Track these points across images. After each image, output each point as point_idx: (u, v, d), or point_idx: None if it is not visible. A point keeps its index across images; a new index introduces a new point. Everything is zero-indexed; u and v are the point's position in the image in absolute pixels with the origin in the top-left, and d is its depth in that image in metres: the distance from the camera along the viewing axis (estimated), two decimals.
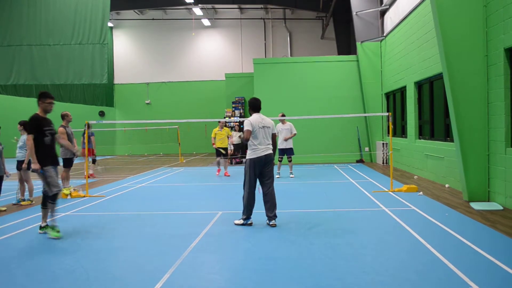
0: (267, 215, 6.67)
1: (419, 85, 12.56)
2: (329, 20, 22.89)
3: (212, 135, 13.10)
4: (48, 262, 5.05)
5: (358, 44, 17.05)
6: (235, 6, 25.01)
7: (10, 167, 9.02)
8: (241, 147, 15.96)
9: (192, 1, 21.84)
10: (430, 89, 11.61)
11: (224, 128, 13.16)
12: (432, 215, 7.02)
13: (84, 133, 13.92)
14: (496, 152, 7.86)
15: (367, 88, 17.02)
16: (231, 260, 5.12)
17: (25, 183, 9.15)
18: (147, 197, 9.75)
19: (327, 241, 5.62)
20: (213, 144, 13.16)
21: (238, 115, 20.53)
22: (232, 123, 19.43)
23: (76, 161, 10.53)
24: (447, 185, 10.16)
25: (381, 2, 16.55)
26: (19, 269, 4.85)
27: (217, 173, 13.36)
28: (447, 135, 10.43)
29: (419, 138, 12.60)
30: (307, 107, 16.97)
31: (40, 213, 6.48)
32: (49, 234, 6.20)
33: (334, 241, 5.64)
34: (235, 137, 15.78)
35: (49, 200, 6.24)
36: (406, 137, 13.86)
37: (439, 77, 10.49)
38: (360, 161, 17.19)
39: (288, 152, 12.47)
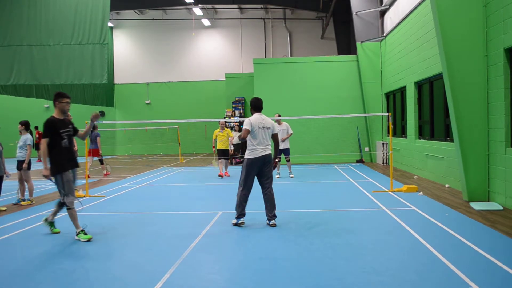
0: (267, 215, 6.67)
1: (419, 85, 12.56)
2: (329, 20, 22.89)
3: (213, 137, 13.04)
4: (48, 262, 5.05)
5: (358, 44, 17.05)
6: (235, 6, 25.01)
7: (10, 167, 9.03)
8: (241, 147, 15.95)
9: (192, 1, 21.84)
10: (430, 89, 11.61)
11: (225, 129, 13.11)
12: (432, 215, 7.02)
13: (91, 134, 14.05)
14: (496, 152, 7.86)
15: (367, 88, 17.02)
16: (231, 260, 5.12)
17: (25, 183, 9.14)
18: (147, 197, 9.75)
19: (327, 241, 5.62)
20: (213, 147, 13.10)
21: (238, 115, 20.53)
22: (232, 123, 19.42)
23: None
24: (447, 185, 10.16)
25: (381, 2, 16.55)
26: (19, 269, 4.85)
27: (220, 174, 13.05)
28: (447, 135, 10.43)
29: (419, 138, 12.60)
30: (307, 107, 16.97)
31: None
32: (51, 230, 6.27)
33: (334, 241, 5.64)
34: (235, 137, 15.77)
35: (66, 206, 6.04)
36: (406, 137, 13.86)
37: (439, 77, 10.49)
38: (360, 161, 17.19)
39: (285, 152, 12.49)
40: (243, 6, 25.15)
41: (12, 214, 7.98)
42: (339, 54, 22.63)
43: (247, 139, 6.58)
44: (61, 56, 13.81)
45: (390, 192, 9.40)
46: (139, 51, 26.73)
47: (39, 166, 19.04)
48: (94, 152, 13.82)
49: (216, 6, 25.21)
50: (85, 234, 5.99)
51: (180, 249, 5.39)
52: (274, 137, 6.81)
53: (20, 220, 7.40)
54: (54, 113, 6.13)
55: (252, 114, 6.78)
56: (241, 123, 18.71)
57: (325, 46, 24.72)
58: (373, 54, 16.93)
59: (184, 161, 20.02)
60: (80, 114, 23.01)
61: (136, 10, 25.70)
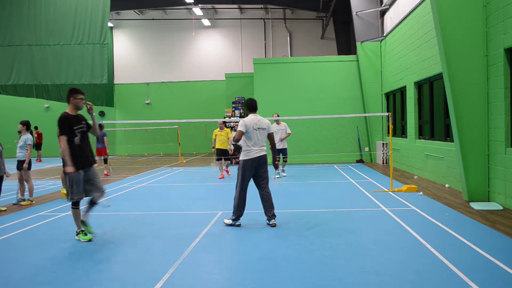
0: (266, 215, 6.67)
1: (419, 85, 12.56)
2: (329, 20, 22.90)
3: (213, 137, 13.01)
4: (47, 262, 5.05)
5: (358, 44, 17.05)
6: (235, 6, 25.01)
7: (10, 167, 9.03)
8: (241, 147, 15.91)
9: (192, 1, 21.84)
10: (430, 89, 11.61)
11: (225, 129, 13.09)
12: (432, 215, 7.02)
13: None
14: (496, 152, 7.86)
15: (367, 88, 17.02)
16: (231, 260, 5.12)
17: (25, 183, 9.14)
18: (147, 197, 9.75)
19: (327, 241, 5.62)
20: (213, 147, 13.07)
21: (238, 115, 20.52)
22: (232, 123, 19.42)
23: None
24: (447, 185, 10.16)
25: (381, 2, 16.55)
26: (19, 269, 4.85)
27: (221, 176, 12.98)
28: (447, 135, 10.43)
29: (419, 138, 12.60)
30: (307, 107, 16.97)
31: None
32: (81, 238, 5.99)
33: (334, 241, 5.64)
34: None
35: (72, 205, 5.99)
36: (406, 137, 13.87)
37: (439, 77, 10.49)
38: (360, 161, 17.20)
39: (283, 152, 12.54)
40: (243, 6, 25.15)
41: (12, 214, 7.98)
42: (339, 54, 22.63)
43: (242, 140, 6.54)
44: (61, 56, 13.80)
45: (390, 192, 9.40)
46: (139, 51, 26.73)
47: (39, 166, 19.10)
48: (101, 151, 13.90)
49: (216, 6, 25.21)
50: (85, 234, 5.98)
51: (180, 249, 5.39)
52: (270, 137, 6.76)
53: (20, 220, 7.41)
54: (67, 109, 5.98)
55: (247, 115, 6.76)
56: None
57: (325, 46, 24.73)
58: (373, 54, 16.93)
59: (184, 161, 20.02)
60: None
61: (136, 10, 25.70)
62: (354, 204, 8.30)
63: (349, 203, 8.36)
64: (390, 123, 10.27)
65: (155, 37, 26.50)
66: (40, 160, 22.41)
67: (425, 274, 4.36)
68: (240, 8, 25.43)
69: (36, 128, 22.34)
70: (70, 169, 5.74)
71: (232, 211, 6.70)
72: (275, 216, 6.64)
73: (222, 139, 12.84)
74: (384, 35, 16.28)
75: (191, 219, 7.34)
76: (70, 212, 8.02)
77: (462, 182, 8.44)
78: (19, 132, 9.27)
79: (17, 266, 4.94)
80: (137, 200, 9.42)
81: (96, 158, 13.91)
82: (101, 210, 8.29)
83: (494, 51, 7.77)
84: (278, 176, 12.63)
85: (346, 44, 22.68)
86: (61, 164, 9.89)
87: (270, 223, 6.58)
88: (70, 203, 5.99)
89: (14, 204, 9.01)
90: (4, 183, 8.30)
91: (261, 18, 25.75)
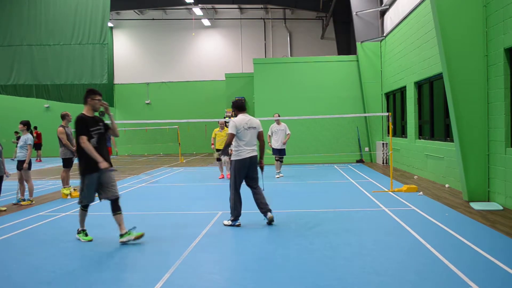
0: (262, 211, 6.67)
1: (419, 85, 12.56)
2: (329, 20, 22.89)
3: (212, 136, 12.99)
4: (47, 262, 5.05)
5: (358, 44, 17.05)
6: (235, 6, 25.01)
7: (10, 167, 9.03)
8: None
9: (192, 1, 21.84)
10: (430, 89, 11.61)
11: (225, 128, 13.07)
12: (432, 215, 7.02)
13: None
14: (496, 152, 7.86)
15: (367, 88, 17.02)
16: (231, 260, 5.12)
17: (25, 183, 9.14)
18: (147, 197, 9.75)
19: (327, 241, 5.62)
20: (212, 144, 13.06)
21: None
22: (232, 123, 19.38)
23: (76, 161, 10.51)
24: (447, 185, 10.16)
25: (381, 2, 16.55)
26: (19, 269, 4.85)
27: (221, 176, 13.01)
28: (447, 135, 10.43)
29: (419, 138, 12.60)
30: (307, 107, 16.97)
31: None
32: (132, 235, 5.77)
33: (334, 241, 5.64)
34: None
35: (81, 206, 5.88)
36: (406, 137, 13.86)
37: (439, 77, 10.49)
38: (360, 161, 17.20)
39: (281, 152, 12.58)
40: (243, 6, 25.15)
41: (12, 214, 7.98)
42: (339, 54, 22.62)
43: (233, 140, 6.56)
44: (61, 56, 13.81)
45: (390, 192, 9.40)
46: (139, 51, 26.73)
47: (39, 166, 19.10)
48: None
49: (216, 6, 25.21)
50: (86, 235, 5.97)
51: (180, 249, 5.39)
52: (260, 135, 6.75)
53: (20, 220, 7.40)
54: (84, 111, 5.84)
55: (236, 116, 6.76)
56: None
57: (325, 46, 24.72)
58: (373, 54, 16.93)
59: (184, 161, 20.02)
60: None
61: (136, 10, 25.70)
62: (354, 204, 8.30)
63: (349, 203, 8.36)
64: (390, 123, 10.28)
65: (155, 37, 26.50)
66: (40, 160, 22.41)
67: (425, 274, 4.36)
68: (240, 8, 25.44)
69: (35, 128, 22.33)
70: (104, 164, 5.60)
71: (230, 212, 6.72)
72: (270, 209, 6.63)
73: (222, 139, 12.80)
74: (384, 35, 16.28)
75: (191, 219, 7.34)
76: (70, 213, 8.05)
77: (462, 182, 8.44)
78: (16, 132, 9.27)
79: (17, 266, 4.94)
80: (137, 200, 9.41)
81: None
82: (101, 210, 8.30)
83: (494, 51, 7.77)
84: (279, 175, 12.66)
85: (346, 44, 22.68)
86: (61, 164, 9.95)
87: (268, 217, 6.57)
88: (84, 209, 5.96)
89: (14, 204, 9.01)
90: (4, 183, 8.29)
91: (261, 18, 25.75)
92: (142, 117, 25.87)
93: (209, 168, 16.33)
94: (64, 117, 9.91)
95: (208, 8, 25.19)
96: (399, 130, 15.09)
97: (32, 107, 25.53)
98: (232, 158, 6.60)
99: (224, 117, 20.48)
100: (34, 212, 8.12)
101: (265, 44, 25.71)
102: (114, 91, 26.70)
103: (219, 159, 12.87)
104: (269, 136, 12.65)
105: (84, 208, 5.93)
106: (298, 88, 17.56)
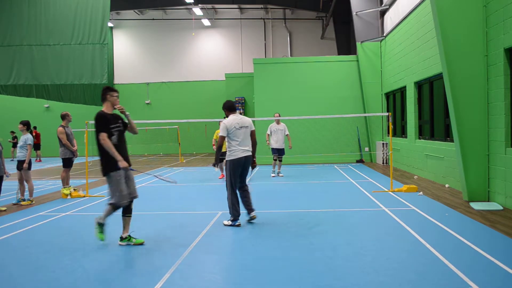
0: (247, 209, 6.78)
1: (419, 85, 12.56)
2: (329, 20, 22.89)
3: (214, 137, 12.97)
4: (48, 262, 5.05)
5: (358, 44, 17.05)
6: (235, 6, 25.01)
7: (10, 167, 9.03)
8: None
9: (192, 1, 21.84)
10: (430, 89, 11.61)
11: None
12: (432, 215, 7.02)
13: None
14: (496, 152, 7.86)
15: (367, 88, 17.02)
16: (231, 260, 5.12)
17: (25, 183, 9.14)
18: (147, 197, 9.74)
19: (327, 241, 5.62)
20: (214, 145, 13.05)
21: None
22: None
23: (76, 161, 10.52)
24: (447, 185, 10.16)
25: (381, 2, 16.55)
26: (19, 269, 4.85)
27: (222, 176, 13.01)
28: (447, 135, 10.43)
29: (419, 138, 12.60)
30: (307, 107, 16.97)
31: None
32: (132, 241, 5.70)
33: (334, 241, 5.64)
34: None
35: (108, 202, 5.63)
36: (406, 137, 13.86)
37: (439, 77, 10.49)
38: (360, 161, 17.19)
39: (280, 152, 12.63)
40: (243, 6, 25.16)
41: (12, 214, 7.98)
42: (339, 54, 22.63)
43: (227, 141, 6.63)
44: (61, 56, 13.80)
45: (390, 192, 9.40)
46: (139, 51, 26.73)
47: (39, 166, 19.10)
48: None
49: (216, 6, 25.22)
50: (101, 232, 5.67)
51: (180, 249, 5.39)
52: (252, 134, 6.81)
53: (20, 220, 7.40)
54: (104, 108, 5.70)
55: (227, 116, 6.80)
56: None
57: (325, 46, 24.73)
58: (373, 54, 16.93)
59: (184, 161, 20.02)
60: (80, 114, 23.12)
61: (136, 10, 25.71)
62: (354, 204, 8.30)
63: (349, 203, 8.36)
64: (390, 123, 10.28)
65: (155, 37, 26.51)
66: (40, 160, 22.41)
67: (425, 274, 4.35)
68: (240, 8, 25.44)
69: (34, 128, 22.33)
70: (124, 163, 5.45)
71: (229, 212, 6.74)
72: (254, 209, 6.79)
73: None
74: (384, 35, 16.28)
75: (191, 219, 7.34)
76: (70, 213, 8.04)
77: (462, 182, 8.44)
78: (12, 132, 9.27)
79: (17, 266, 4.94)
80: (137, 200, 9.38)
81: None
82: (101, 210, 8.29)
83: (494, 51, 7.77)
84: (273, 175, 12.75)
85: (346, 44, 22.68)
86: (61, 164, 9.95)
87: (251, 215, 6.72)
88: (115, 211, 5.64)
89: (14, 204, 9.01)
90: (4, 183, 8.29)
91: (261, 18, 25.75)
92: (142, 117, 25.84)
93: (209, 168, 16.33)
94: (64, 117, 9.91)
95: (208, 8, 25.20)
96: (399, 130, 15.09)
97: (32, 107, 25.54)
98: (227, 158, 6.64)
99: (224, 117, 20.42)
100: (34, 212, 8.12)
101: (265, 44, 25.71)
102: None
103: (215, 165, 12.85)
104: (268, 135, 12.69)
105: (115, 209, 5.64)
106: (298, 88, 17.57)
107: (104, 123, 5.52)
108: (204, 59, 26.19)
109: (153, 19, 26.30)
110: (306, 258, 4.98)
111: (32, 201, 9.14)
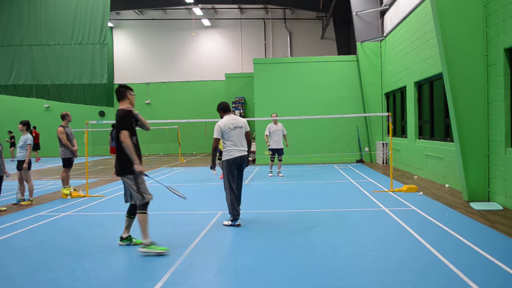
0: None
1: (419, 85, 12.56)
2: (329, 20, 22.89)
3: None
4: (48, 262, 5.05)
5: (358, 44, 17.05)
6: (235, 6, 25.01)
7: (10, 167, 9.03)
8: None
9: (192, 1, 21.84)
10: (430, 89, 11.61)
11: None
12: (432, 215, 7.02)
13: (111, 133, 14.33)
14: (496, 152, 7.86)
15: (367, 88, 17.02)
16: (231, 260, 5.12)
17: (25, 183, 9.14)
18: None
19: (327, 241, 5.62)
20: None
21: (238, 115, 20.51)
22: None
23: (76, 161, 10.52)
24: (447, 185, 10.16)
25: (381, 2, 16.55)
26: (19, 269, 4.85)
27: (221, 177, 13.06)
28: (447, 135, 10.43)
29: (419, 138, 12.60)
30: (307, 107, 16.97)
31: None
32: (132, 242, 5.63)
33: (334, 241, 5.64)
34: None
35: (138, 209, 5.35)
36: (406, 137, 13.87)
37: (439, 77, 10.49)
38: (360, 161, 17.19)
39: (279, 152, 12.72)
40: (243, 6, 25.15)
41: (12, 214, 7.98)
42: (339, 54, 22.63)
43: (222, 142, 6.68)
44: (61, 56, 13.79)
45: (390, 192, 9.40)
46: (139, 51, 26.73)
47: (38, 166, 19.09)
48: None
49: (216, 6, 25.21)
50: (158, 245, 5.29)
51: (180, 249, 5.39)
52: (246, 134, 6.86)
53: (20, 220, 7.40)
54: (124, 106, 5.60)
55: (222, 117, 6.86)
56: None
57: (325, 46, 24.72)
58: (373, 54, 16.93)
59: (184, 161, 20.02)
60: (80, 114, 23.15)
61: (136, 10, 25.70)
62: (354, 204, 8.30)
63: (349, 203, 8.36)
64: (390, 123, 10.28)
65: (155, 37, 26.51)
66: (39, 159, 22.39)
67: (425, 274, 4.35)
68: (240, 8, 25.44)
69: (34, 128, 22.33)
70: (140, 167, 5.28)
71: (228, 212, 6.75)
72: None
73: None
74: (384, 35, 16.28)
75: (191, 219, 7.34)
76: (70, 213, 8.04)
77: (462, 182, 8.44)
78: (9, 131, 9.28)
79: (17, 266, 4.94)
80: None
81: (112, 156, 14.30)
82: (101, 210, 8.30)
83: (494, 51, 7.77)
84: (271, 174, 12.90)
85: (346, 44, 22.67)
86: (61, 164, 9.95)
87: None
88: (146, 210, 5.32)
89: (14, 204, 9.01)
90: (4, 183, 8.30)
91: (261, 18, 25.75)
92: (142, 117, 25.82)
93: (209, 168, 16.32)
94: (64, 117, 9.91)
95: (208, 8, 25.19)
96: (399, 130, 15.09)
97: (32, 107, 25.53)
98: (223, 158, 6.68)
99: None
100: (34, 212, 8.12)
101: (265, 44, 25.70)
102: (114, 91, 26.68)
103: (212, 168, 12.91)
104: (266, 136, 12.73)
105: (146, 209, 5.35)
106: (298, 88, 17.56)
107: (129, 121, 5.40)
108: (204, 59, 26.18)
109: (153, 19, 26.30)
110: (306, 258, 4.98)
111: (32, 201, 9.14)
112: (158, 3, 23.84)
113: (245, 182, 11.55)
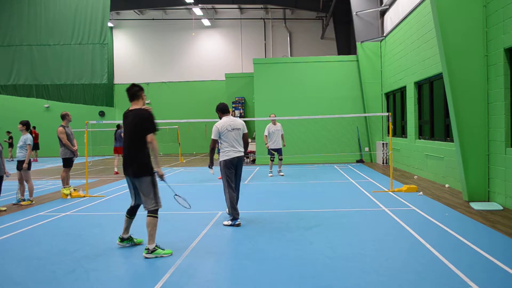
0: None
1: (419, 85, 12.56)
2: (329, 20, 22.90)
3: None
4: (48, 262, 5.05)
5: (358, 44, 17.05)
6: (235, 6, 25.01)
7: (10, 167, 9.02)
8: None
9: (192, 1, 21.83)
10: (430, 89, 11.61)
11: None
12: (432, 215, 7.02)
13: (115, 133, 14.73)
14: (496, 152, 7.86)
15: (367, 88, 17.02)
16: (231, 260, 5.12)
17: (25, 183, 9.14)
18: None
19: (327, 241, 5.62)
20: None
21: (238, 115, 20.52)
22: None
23: (76, 161, 10.52)
24: (447, 185, 10.16)
25: (381, 2, 16.55)
26: (19, 269, 4.85)
27: (220, 177, 13.13)
28: (447, 135, 10.43)
29: (419, 138, 12.60)
30: (307, 107, 16.97)
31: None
32: (132, 242, 5.62)
33: (334, 241, 5.64)
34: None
35: (149, 213, 5.26)
36: (406, 137, 13.86)
37: (439, 77, 10.50)
38: (360, 161, 17.19)
39: (278, 152, 12.82)
40: (243, 6, 25.15)
41: (12, 214, 7.98)
42: (339, 54, 22.62)
43: (220, 142, 6.75)
44: (61, 56, 13.80)
45: (390, 192, 9.40)
46: (139, 51, 26.73)
47: (39, 166, 19.09)
48: (119, 150, 14.29)
49: (216, 6, 25.21)
50: (164, 249, 5.23)
51: (180, 249, 5.39)
52: (244, 136, 6.92)
53: (20, 220, 7.40)
54: (136, 107, 5.60)
55: (220, 118, 6.92)
56: None
57: (325, 46, 24.72)
58: (373, 54, 16.93)
59: (184, 161, 20.02)
60: (80, 114, 23.16)
61: (136, 10, 25.70)
62: (354, 204, 8.30)
63: (349, 203, 8.36)
64: (390, 123, 10.27)
65: (155, 37, 26.50)
66: (36, 160, 22.36)
67: (425, 274, 4.35)
68: (240, 8, 25.43)
69: (34, 128, 22.32)
70: (161, 172, 5.26)
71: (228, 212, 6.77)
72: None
73: None
74: (384, 35, 16.28)
75: (191, 219, 7.34)
76: (70, 213, 8.04)
77: (462, 182, 8.44)
78: (8, 132, 9.28)
79: (17, 266, 4.94)
80: None
81: (116, 156, 14.47)
82: (101, 211, 8.30)
83: (494, 51, 7.77)
84: (271, 174, 12.93)
85: (346, 44, 22.67)
86: (61, 164, 9.95)
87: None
88: (150, 211, 5.27)
89: (14, 204, 9.01)
90: (4, 183, 8.29)
91: (261, 18, 25.74)
92: None
93: (207, 167, 16.31)
94: (64, 117, 9.91)
95: (208, 8, 25.19)
96: (399, 130, 15.09)
97: (32, 107, 25.53)
98: (220, 158, 6.73)
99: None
100: (34, 212, 8.12)
101: (265, 44, 25.70)
102: (114, 91, 26.69)
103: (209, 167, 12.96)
104: (266, 136, 12.76)
105: (157, 213, 5.32)
106: (298, 88, 17.57)
107: (156, 123, 5.30)
108: (204, 59, 26.18)
109: (153, 19, 26.29)
110: (306, 258, 4.98)
111: (32, 201, 9.14)
112: (158, 3, 23.84)
113: (245, 182, 11.56)
